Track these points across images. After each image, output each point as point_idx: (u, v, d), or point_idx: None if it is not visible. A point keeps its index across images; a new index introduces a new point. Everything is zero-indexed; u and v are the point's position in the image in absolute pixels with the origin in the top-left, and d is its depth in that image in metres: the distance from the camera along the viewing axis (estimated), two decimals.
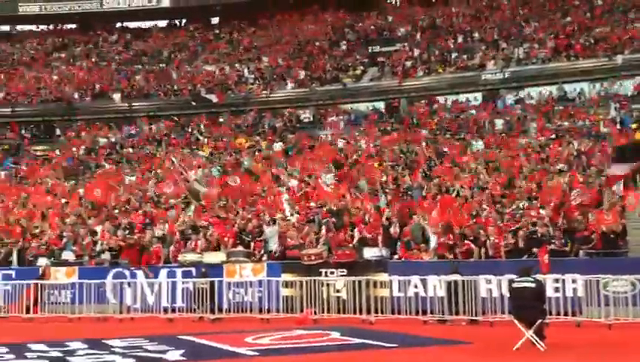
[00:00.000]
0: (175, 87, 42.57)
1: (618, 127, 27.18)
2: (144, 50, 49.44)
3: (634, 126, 24.70)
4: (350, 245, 18.05)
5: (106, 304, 17.88)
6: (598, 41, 35.14)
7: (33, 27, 54.63)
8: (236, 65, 44.41)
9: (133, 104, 41.92)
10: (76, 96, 43.08)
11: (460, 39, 40.28)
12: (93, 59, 48.80)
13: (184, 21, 53.56)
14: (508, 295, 12.65)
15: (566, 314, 14.40)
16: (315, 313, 16.16)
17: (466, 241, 16.99)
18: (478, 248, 16.95)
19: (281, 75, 41.50)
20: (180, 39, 50.28)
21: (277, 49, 45.29)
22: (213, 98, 40.45)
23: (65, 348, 11.93)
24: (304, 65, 41.92)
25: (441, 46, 40.08)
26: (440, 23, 43.15)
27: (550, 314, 13.25)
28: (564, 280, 14.75)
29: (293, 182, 24.63)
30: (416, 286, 15.93)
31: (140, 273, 18.51)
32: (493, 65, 36.38)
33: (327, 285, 16.59)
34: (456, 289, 15.09)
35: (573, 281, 14.74)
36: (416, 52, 40.24)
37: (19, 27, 55.01)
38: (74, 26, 54.12)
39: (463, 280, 15.08)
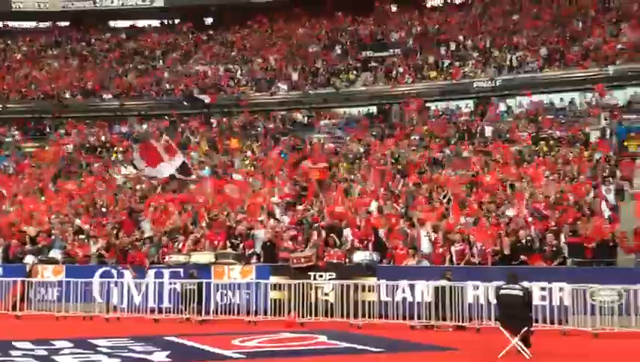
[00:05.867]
0: (167, 87, 42.50)
1: (608, 137, 27.39)
2: (137, 49, 49.33)
3: None
4: (340, 248, 18.05)
5: (92, 303, 17.80)
6: (590, 51, 35.34)
7: (26, 24, 54.38)
8: (229, 66, 44.38)
9: (125, 103, 41.80)
10: (67, 94, 42.93)
11: (452, 46, 40.43)
12: (85, 58, 48.65)
13: (177, 21, 53.48)
14: (495, 301, 12.68)
15: (552, 322, 14.46)
16: (303, 316, 16.16)
17: (461, 243, 17.06)
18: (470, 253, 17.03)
19: (275, 78, 41.51)
20: (172, 39, 50.20)
21: (271, 51, 45.30)
22: (206, 98, 40.40)
23: (50, 347, 11.88)
24: (298, 68, 41.94)
25: (434, 53, 40.21)
26: (433, 30, 43.29)
27: (536, 322, 13.30)
28: (551, 289, 14.81)
29: (287, 186, 24.66)
30: (404, 291, 15.95)
31: (127, 273, 18.45)
32: (484, 73, 36.54)
33: (316, 288, 16.59)
34: (444, 295, 15.14)
35: (560, 290, 14.79)
36: (409, 58, 40.36)
37: (11, 24, 54.74)
38: (67, 23, 53.92)
39: (451, 286, 15.12)
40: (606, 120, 29.57)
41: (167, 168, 20.91)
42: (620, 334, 13.69)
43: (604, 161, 23.68)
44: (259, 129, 36.52)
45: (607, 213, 18.20)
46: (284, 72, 42.19)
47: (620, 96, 32.34)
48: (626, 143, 26.19)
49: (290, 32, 48.07)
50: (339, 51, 43.81)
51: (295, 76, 41.10)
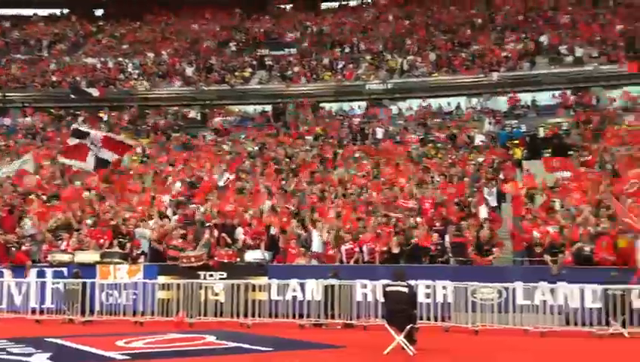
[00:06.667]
0: (54, 79, 40.84)
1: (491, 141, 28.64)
2: (22, 38, 47.11)
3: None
4: (232, 247, 17.95)
5: None
6: (476, 57, 36.82)
7: None
8: (120, 59, 43.17)
9: (8, 94, 39.84)
10: None
11: (346, 49, 41.06)
12: None
13: (66, 11, 51.49)
14: (382, 299, 12.97)
15: (436, 319, 14.94)
16: (192, 316, 15.96)
17: (351, 242, 17.33)
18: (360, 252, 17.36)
19: (167, 72, 40.75)
20: (60, 29, 48.27)
21: (164, 45, 44.43)
22: (94, 92, 39.11)
23: None
24: (192, 64, 41.35)
25: (328, 54, 40.68)
26: (328, 32, 43.80)
27: (421, 319, 13.74)
28: (435, 286, 15.30)
29: (177, 184, 24.25)
30: (294, 290, 16.04)
31: (7, 272, 17.66)
32: (375, 76, 37.33)
33: (205, 288, 16.41)
34: (333, 294, 15.35)
35: (444, 288, 15.29)
36: (304, 58, 40.66)
37: None
38: None
39: (340, 285, 15.35)
40: (490, 124, 30.92)
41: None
42: (498, 331, 14.33)
43: (487, 164, 24.70)
44: (150, 124, 35.74)
45: (484, 214, 18.89)
46: (177, 67, 41.47)
47: (503, 103, 33.89)
48: (510, 150, 27.39)
49: (184, 27, 47.33)
50: (234, 48, 43.54)
51: (189, 72, 40.50)
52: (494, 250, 16.60)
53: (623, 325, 13.76)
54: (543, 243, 16.52)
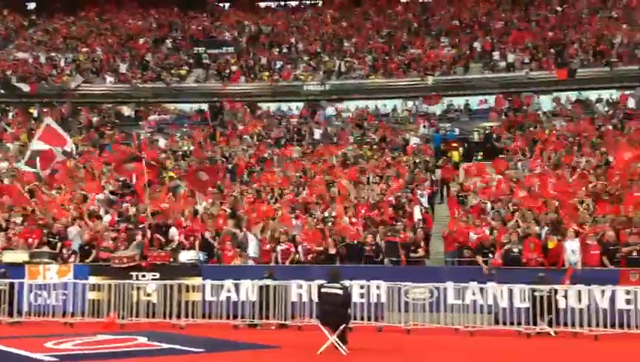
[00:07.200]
0: None
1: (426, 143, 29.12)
2: None
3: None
4: (166, 248, 17.72)
5: None
6: (412, 61, 37.36)
7: None
8: (52, 54, 42.05)
9: None
10: None
11: (284, 49, 41.07)
12: None
13: None
14: (317, 300, 13.02)
15: (369, 319, 15.09)
16: (123, 318, 15.68)
17: (287, 242, 17.35)
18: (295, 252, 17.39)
19: (101, 69, 39.93)
20: None
21: (99, 41, 43.49)
22: (25, 87, 38.00)
23: None
24: (126, 60, 40.62)
25: (266, 54, 40.61)
26: (266, 32, 43.72)
27: (355, 318, 13.86)
28: (369, 286, 15.45)
29: (111, 183, 23.79)
30: (229, 291, 15.94)
31: None
32: (313, 77, 37.47)
33: (138, 288, 16.14)
34: (268, 294, 15.32)
35: (378, 288, 15.45)
36: (242, 57, 40.47)
37: None
38: None
39: (275, 285, 15.33)
40: (424, 127, 31.44)
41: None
42: (429, 330, 14.57)
43: (422, 165, 25.11)
44: (82, 121, 34.96)
45: (418, 215, 19.22)
46: (111, 63, 40.67)
47: (437, 106, 34.48)
48: (447, 153, 27.87)
49: (119, 22, 46.44)
50: (170, 46, 43.00)
51: (123, 68, 39.74)
52: (419, 250, 16.77)
53: (550, 324, 14.19)
54: (471, 246, 16.85)
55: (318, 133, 31.64)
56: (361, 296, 15.31)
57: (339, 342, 11.37)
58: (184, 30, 44.98)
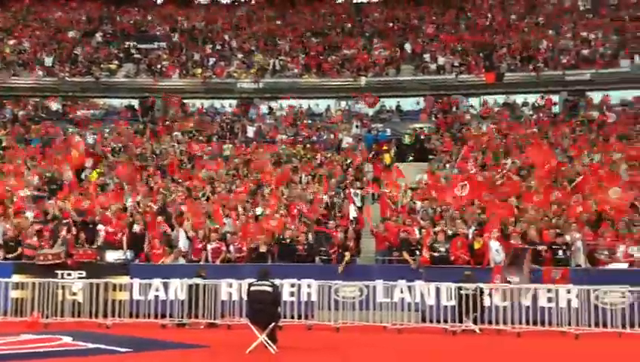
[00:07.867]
0: None
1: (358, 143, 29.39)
2: None
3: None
4: (92, 246, 17.34)
5: None
6: (345, 61, 37.63)
7: None
8: None
9: None
10: None
11: (218, 46, 40.72)
12: None
13: None
14: (246, 298, 12.98)
15: (300, 317, 15.17)
16: (48, 317, 15.28)
17: (218, 241, 17.21)
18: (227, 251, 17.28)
19: (28, 62, 38.67)
20: None
21: (25, 33, 42.10)
22: None
23: None
24: (54, 53, 39.47)
25: (199, 50, 40.18)
26: (200, 28, 43.24)
27: (285, 317, 13.90)
28: (299, 285, 15.52)
29: (35, 178, 23.10)
30: (157, 290, 15.73)
31: None
32: (247, 75, 37.28)
33: (63, 287, 15.75)
34: (197, 293, 15.19)
35: (309, 286, 15.56)
36: (174, 53, 39.92)
37: None
38: None
39: (205, 284, 15.21)
40: (357, 127, 31.71)
41: None
42: (359, 328, 14.77)
43: (355, 165, 25.34)
44: (7, 115, 33.81)
45: (353, 214, 19.42)
46: (38, 56, 39.44)
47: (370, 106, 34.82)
48: (379, 154, 28.14)
49: (47, 14, 45.08)
50: (100, 39, 42.02)
51: (49, 61, 38.60)
52: (346, 253, 16.85)
53: (475, 322, 14.57)
54: (398, 246, 17.08)
55: (251, 131, 31.52)
56: (292, 294, 15.40)
57: (268, 341, 11.39)
58: (115, 24, 44.02)
